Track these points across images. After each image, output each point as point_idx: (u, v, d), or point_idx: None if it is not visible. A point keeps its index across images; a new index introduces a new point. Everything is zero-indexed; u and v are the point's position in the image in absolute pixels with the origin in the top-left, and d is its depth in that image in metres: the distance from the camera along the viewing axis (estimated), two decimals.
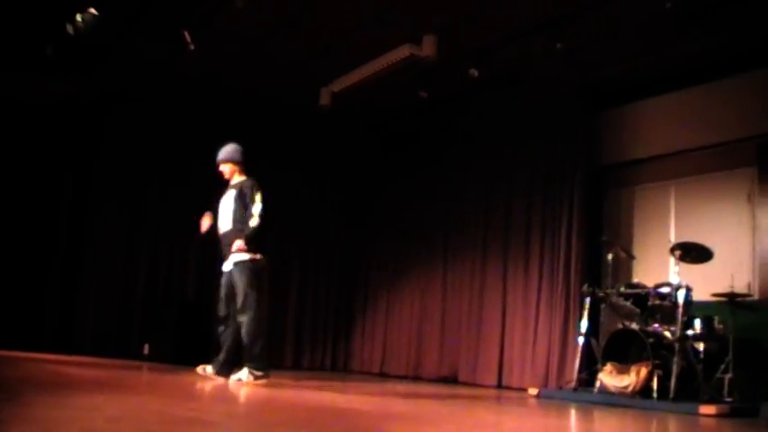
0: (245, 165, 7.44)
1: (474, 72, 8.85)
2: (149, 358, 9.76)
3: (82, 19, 7.77)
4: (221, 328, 7.11)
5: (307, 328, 11.81)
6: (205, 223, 7.27)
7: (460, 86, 9.57)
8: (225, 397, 5.29)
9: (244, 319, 6.81)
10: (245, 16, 8.19)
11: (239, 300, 6.85)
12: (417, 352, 10.93)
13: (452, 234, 10.82)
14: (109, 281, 10.15)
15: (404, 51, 8.76)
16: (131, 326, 10.20)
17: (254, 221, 7.02)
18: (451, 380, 10.21)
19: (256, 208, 7.07)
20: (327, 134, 11.63)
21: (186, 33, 8.51)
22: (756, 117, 8.16)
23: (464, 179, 10.78)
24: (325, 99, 10.14)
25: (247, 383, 6.55)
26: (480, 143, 10.61)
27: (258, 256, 7.03)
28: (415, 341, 11.02)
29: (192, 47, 8.59)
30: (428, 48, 8.61)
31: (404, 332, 11.25)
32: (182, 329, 9.59)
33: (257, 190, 7.17)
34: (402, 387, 8.36)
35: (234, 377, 6.73)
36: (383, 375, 11.14)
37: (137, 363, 9.09)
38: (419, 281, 11.20)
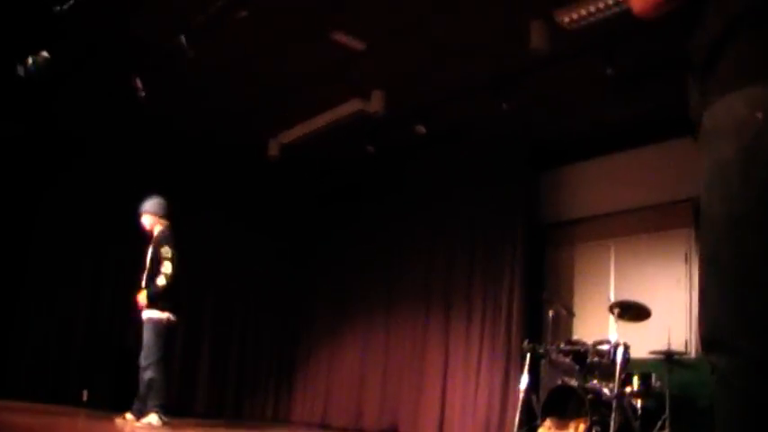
0: (166, 218, 7.71)
1: (421, 128, 9.01)
2: (88, 404, 9.59)
3: (34, 61, 7.74)
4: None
5: (248, 375, 11.76)
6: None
7: (406, 141, 9.71)
8: None
9: (147, 374, 7.25)
10: (196, 65, 8.23)
11: (143, 354, 7.31)
12: (358, 403, 10.91)
13: (395, 286, 10.89)
14: (47, 324, 9.98)
15: (353, 106, 8.90)
16: (69, 370, 10.03)
17: (160, 281, 7.35)
18: (392, 431, 10.18)
19: (165, 267, 7.34)
20: (275, 183, 11.68)
21: (138, 80, 8.53)
22: (693, 180, 8.34)
23: (408, 232, 10.89)
24: (273, 150, 10.21)
25: (157, 428, 6.98)
26: (424, 197, 10.75)
27: (165, 316, 7.35)
28: (356, 392, 11.00)
29: (143, 93, 8.60)
30: (376, 103, 8.75)
31: (345, 383, 11.23)
32: (121, 375, 9.45)
33: (168, 246, 7.43)
34: None
35: (144, 420, 7.14)
36: (324, 427, 11.07)
37: (74, 409, 8.93)
38: (362, 331, 11.22)
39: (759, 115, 1.78)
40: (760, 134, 1.78)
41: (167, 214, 7.77)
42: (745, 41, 1.85)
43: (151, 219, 7.69)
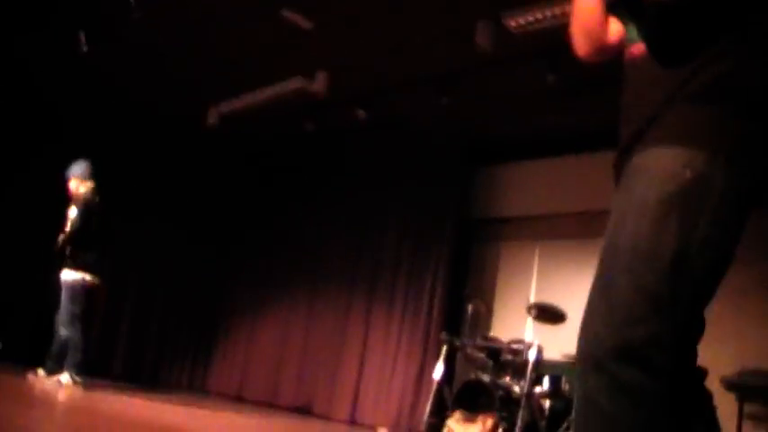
0: (90, 180, 7.76)
1: (361, 113, 9.06)
2: (1, 356, 9.47)
3: None
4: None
5: (167, 343, 11.72)
6: None
7: (346, 125, 9.75)
8: (68, 406, 5.21)
9: (61, 332, 7.38)
10: (141, 26, 8.14)
11: (59, 313, 7.46)
12: (275, 380, 10.95)
13: (321, 264, 10.93)
14: None
15: (295, 83, 8.89)
16: None
17: (60, 239, 7.50)
18: (306, 411, 10.27)
19: (68, 227, 7.54)
20: (210, 155, 11.60)
21: (82, 35, 8.41)
22: None
23: (338, 214, 10.93)
24: (212, 119, 10.14)
25: (66, 385, 7.03)
26: (359, 182, 10.80)
27: (80, 277, 7.43)
28: (273, 368, 11.03)
29: (86, 49, 8.49)
30: (320, 83, 8.77)
31: (264, 358, 11.25)
32: (37, 329, 9.33)
33: (78, 207, 7.56)
34: (250, 415, 8.36)
35: (56, 378, 7.19)
36: (240, 399, 11.10)
37: None
38: (284, 309, 11.25)
39: (687, 173, 1.91)
40: (684, 189, 1.91)
41: (91, 177, 7.74)
42: (682, 110, 1.98)
43: (76, 182, 7.69)
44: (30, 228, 10.02)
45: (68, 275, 7.44)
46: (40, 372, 7.45)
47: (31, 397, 5.58)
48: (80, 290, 7.39)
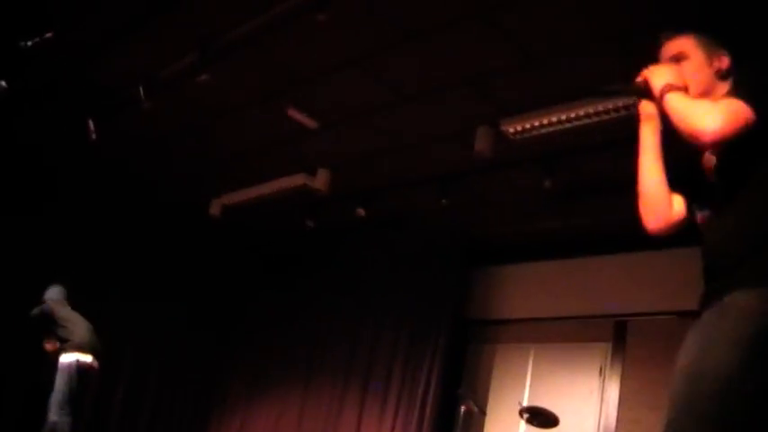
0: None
1: (361, 211, 9.19)
2: None
3: None
4: None
5: (160, 429, 11.55)
6: None
7: (346, 221, 9.85)
8: None
9: (50, 416, 7.49)
10: (149, 115, 8.31)
11: (53, 396, 7.57)
12: None
13: (316, 360, 10.89)
14: None
15: (298, 180, 9.05)
16: None
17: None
18: None
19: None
20: (213, 243, 11.68)
21: (91, 122, 8.58)
22: (615, 297, 8.68)
23: (335, 309, 10.95)
24: (215, 209, 10.27)
25: None
26: (357, 277, 10.86)
27: (73, 359, 7.64)
28: None
29: (95, 137, 8.65)
30: (321, 180, 8.92)
31: None
32: (26, 411, 9.26)
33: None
34: None
35: None
36: None
37: None
38: (277, 401, 11.16)
39: None
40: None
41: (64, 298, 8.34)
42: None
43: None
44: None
45: (64, 358, 7.50)
46: None
47: None
48: (75, 373, 7.42)
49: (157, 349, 11.56)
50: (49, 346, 7.91)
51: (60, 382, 7.40)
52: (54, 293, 8.14)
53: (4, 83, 7.91)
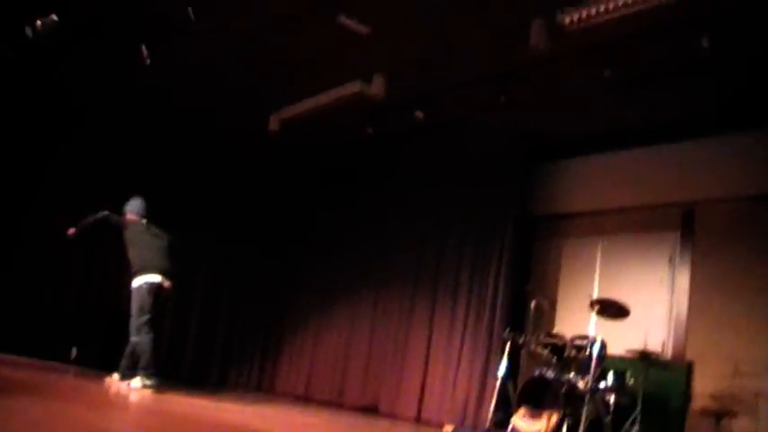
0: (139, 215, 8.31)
1: (419, 114, 9.13)
2: (76, 362, 9.76)
3: (42, 24, 7.85)
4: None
5: (235, 346, 11.94)
6: None
7: (405, 127, 9.82)
8: (140, 408, 5.38)
9: (132, 338, 7.67)
10: (202, 37, 8.33)
11: (131, 320, 7.72)
12: (341, 379, 11.08)
13: (385, 265, 11.04)
14: (40, 281, 10.13)
15: (354, 88, 9.00)
16: (60, 328, 10.18)
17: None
18: (372, 410, 10.38)
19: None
20: (272, 159, 11.76)
21: (144, 48, 8.64)
22: (683, 185, 8.58)
23: (400, 215, 11.02)
24: (274, 125, 10.31)
25: (137, 389, 7.27)
26: (419, 183, 10.88)
27: (143, 281, 7.76)
28: (340, 368, 11.17)
29: (149, 62, 8.72)
30: (377, 87, 8.87)
31: (330, 358, 11.40)
32: (110, 336, 9.59)
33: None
34: (318, 414, 8.48)
35: (127, 383, 7.45)
36: (306, 399, 11.26)
37: (64, 366, 9.08)
38: (350, 308, 11.37)
39: None
40: None
41: (143, 211, 8.32)
42: None
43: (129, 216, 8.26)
44: (105, 239, 10.35)
45: (135, 282, 7.72)
46: (115, 376, 7.71)
47: (106, 400, 5.78)
48: (146, 294, 7.62)
49: (228, 269, 11.84)
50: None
51: (134, 306, 7.63)
52: (135, 207, 8.24)
53: (54, 16, 8.03)
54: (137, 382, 7.37)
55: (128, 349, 7.73)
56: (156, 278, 7.78)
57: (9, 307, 9.87)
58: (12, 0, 8.12)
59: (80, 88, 10.08)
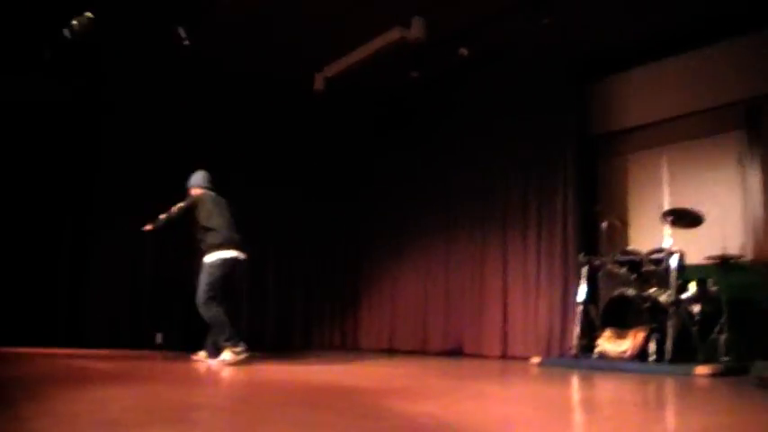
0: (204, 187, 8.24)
1: (463, 51, 9.03)
2: (162, 347, 9.96)
3: (78, 22, 7.92)
4: None
5: (315, 309, 12.07)
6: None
7: (451, 65, 9.72)
8: (232, 381, 5.48)
9: (203, 314, 7.62)
10: (237, 5, 8.32)
11: (197, 296, 7.68)
12: (423, 326, 11.13)
13: (451, 207, 10.97)
14: (117, 272, 10.30)
15: (394, 34, 8.93)
16: (142, 315, 10.40)
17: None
18: (457, 352, 10.42)
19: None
20: (322, 117, 11.75)
21: (181, 30, 8.67)
22: (743, 81, 8.32)
23: (459, 154, 10.92)
24: (319, 84, 10.29)
25: (229, 362, 7.24)
26: (474, 119, 10.75)
27: (213, 258, 7.68)
28: (420, 316, 11.21)
29: (187, 43, 8.76)
30: (417, 29, 8.77)
31: (409, 308, 11.44)
32: (191, 317, 9.72)
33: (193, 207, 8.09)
34: (407, 362, 8.55)
35: (218, 359, 7.42)
36: (391, 351, 11.34)
37: (150, 352, 9.27)
38: (422, 256, 11.37)
39: None
40: None
41: (208, 183, 8.24)
42: None
43: (194, 190, 8.18)
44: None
45: (208, 258, 7.73)
46: (201, 354, 7.80)
47: (196, 377, 5.90)
48: (217, 270, 7.63)
49: (297, 230, 11.92)
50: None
51: (203, 280, 7.56)
52: (198, 179, 8.22)
53: (88, 13, 8.10)
54: (226, 355, 7.37)
55: (208, 324, 7.80)
56: (231, 253, 7.75)
57: (90, 302, 10.14)
58: (47, 3, 8.21)
59: (125, 76, 10.15)
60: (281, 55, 9.88)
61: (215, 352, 7.58)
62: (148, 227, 7.99)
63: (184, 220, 8.00)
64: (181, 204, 7.99)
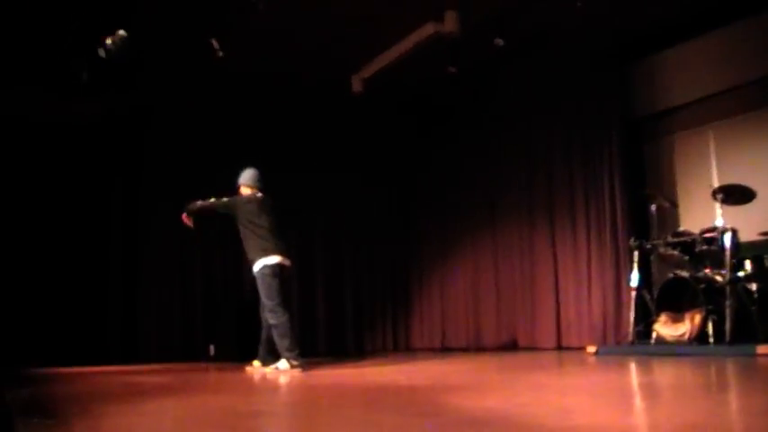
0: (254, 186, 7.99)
1: (499, 41, 8.95)
2: (215, 359, 10.00)
3: (112, 41, 7.97)
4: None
5: (365, 312, 12.02)
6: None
7: (488, 57, 9.64)
8: (286, 388, 5.47)
9: (267, 321, 7.51)
10: (269, 13, 8.32)
11: (262, 305, 7.55)
12: (475, 322, 11.06)
13: (497, 201, 10.91)
14: (167, 287, 10.39)
15: (428, 30, 8.90)
16: (194, 328, 10.46)
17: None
18: (511, 346, 10.34)
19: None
20: (363, 120, 11.73)
21: (214, 41, 8.72)
22: None
23: (503, 146, 10.85)
24: (357, 86, 10.30)
25: (284, 371, 7.05)
26: (515, 109, 10.67)
27: (262, 264, 7.49)
28: (472, 312, 11.15)
29: (221, 54, 8.80)
30: (450, 23, 8.72)
31: (460, 304, 11.38)
32: (242, 327, 9.76)
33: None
34: (462, 359, 8.49)
35: (273, 366, 7.28)
36: (445, 350, 11.29)
37: (203, 365, 9.29)
38: (470, 251, 11.31)
39: None
40: None
41: (258, 182, 8.00)
42: None
43: (243, 188, 7.98)
44: (217, 229, 10.58)
45: (255, 267, 7.57)
46: (255, 363, 7.67)
47: (250, 387, 5.90)
48: (269, 277, 7.52)
49: (345, 235, 11.91)
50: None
51: (261, 292, 7.48)
52: (249, 177, 7.97)
53: (122, 31, 8.16)
54: (283, 363, 7.21)
55: (263, 335, 7.66)
56: (275, 259, 7.63)
57: (142, 318, 10.24)
58: (80, 23, 8.29)
59: (162, 87, 10.22)
60: (315, 60, 9.87)
61: (271, 359, 7.46)
62: (186, 220, 7.93)
63: (225, 217, 7.91)
64: (225, 199, 7.85)
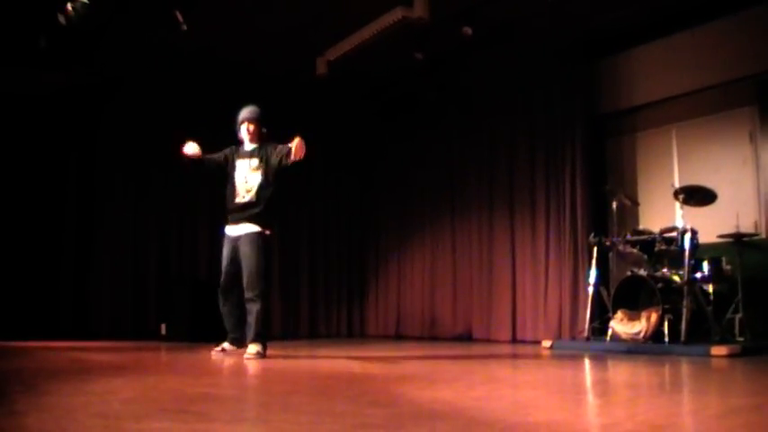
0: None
1: (467, 30, 8.85)
2: (167, 338, 9.84)
3: (73, 8, 7.76)
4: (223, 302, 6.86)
5: (320, 296, 11.92)
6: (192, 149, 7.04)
7: (455, 46, 9.55)
8: (238, 371, 5.36)
9: (259, 301, 6.54)
10: None
11: (247, 275, 6.53)
12: (431, 312, 11.03)
13: (458, 191, 10.87)
14: (120, 264, 10.25)
15: (396, 14, 8.75)
16: (147, 307, 10.32)
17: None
18: (466, 337, 10.32)
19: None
20: (326, 103, 11.60)
21: (178, 14, 8.52)
22: (753, 56, 8.15)
23: (466, 136, 10.81)
24: (321, 68, 10.13)
25: (256, 356, 6.35)
26: (479, 100, 10.63)
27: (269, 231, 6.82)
28: (428, 301, 11.11)
29: (185, 27, 8.60)
30: (420, 9, 8.59)
31: (416, 293, 11.34)
32: (196, 308, 9.58)
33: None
34: (416, 348, 8.43)
35: (247, 353, 6.46)
36: (399, 338, 11.25)
37: (155, 344, 9.12)
38: (428, 241, 11.26)
39: None
40: None
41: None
42: None
43: (256, 127, 7.44)
44: (173, 210, 10.40)
45: (258, 230, 6.76)
46: (226, 345, 6.91)
47: (202, 368, 5.79)
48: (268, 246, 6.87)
49: (303, 219, 11.80)
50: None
51: (259, 259, 6.46)
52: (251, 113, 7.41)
53: None
54: (253, 349, 6.41)
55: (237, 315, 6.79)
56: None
57: (94, 294, 10.06)
58: None
59: (122, 62, 10.00)
60: (282, 40, 9.72)
61: (239, 343, 6.75)
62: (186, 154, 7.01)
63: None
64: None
